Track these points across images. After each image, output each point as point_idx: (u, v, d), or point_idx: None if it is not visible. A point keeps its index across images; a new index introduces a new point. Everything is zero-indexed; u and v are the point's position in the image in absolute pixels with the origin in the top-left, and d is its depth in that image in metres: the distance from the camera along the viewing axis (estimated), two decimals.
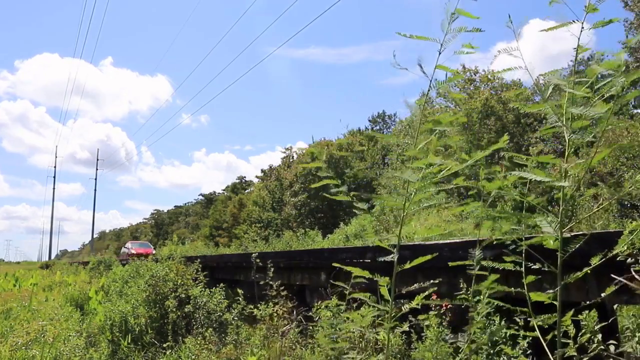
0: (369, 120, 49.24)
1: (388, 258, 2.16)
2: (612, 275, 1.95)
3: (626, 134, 14.61)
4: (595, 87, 1.77)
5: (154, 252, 25.93)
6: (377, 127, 48.38)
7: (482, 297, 2.23)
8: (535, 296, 1.94)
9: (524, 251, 2.04)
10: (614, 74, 1.68)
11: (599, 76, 1.81)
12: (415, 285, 2.39)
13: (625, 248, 1.90)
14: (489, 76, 25.66)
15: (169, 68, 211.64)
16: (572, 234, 2.10)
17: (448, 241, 3.94)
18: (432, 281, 2.43)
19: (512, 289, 2.07)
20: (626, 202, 13.47)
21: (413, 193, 2.08)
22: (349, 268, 2.36)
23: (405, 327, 3.07)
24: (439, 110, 26.42)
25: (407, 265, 2.18)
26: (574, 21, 1.75)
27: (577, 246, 1.87)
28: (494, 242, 2.30)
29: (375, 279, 2.24)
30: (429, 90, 1.99)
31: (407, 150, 2.15)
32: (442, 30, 1.86)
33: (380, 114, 49.26)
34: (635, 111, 23.50)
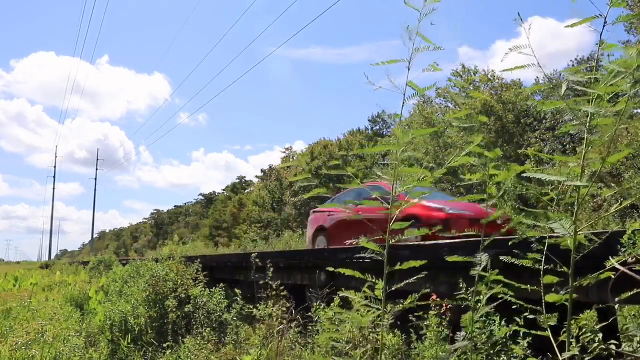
0: (369, 120, 49.18)
1: (373, 256, 2.19)
2: (617, 267, 1.94)
3: (626, 134, 14.62)
4: (608, 85, 1.76)
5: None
6: (377, 127, 48.38)
7: (482, 296, 2.23)
8: (550, 297, 1.94)
9: (544, 251, 2.03)
10: (625, 73, 1.67)
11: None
12: (403, 282, 2.40)
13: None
14: (489, 76, 25.67)
15: (167, 67, 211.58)
16: (579, 233, 2.09)
17: (448, 241, 3.93)
18: (417, 277, 2.44)
19: (529, 287, 2.07)
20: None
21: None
22: (342, 270, 2.38)
23: (391, 320, 3.08)
24: (437, 111, 26.43)
25: (398, 267, 2.20)
26: (597, 16, 1.73)
27: (592, 248, 1.87)
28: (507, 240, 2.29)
29: (368, 280, 2.26)
30: (403, 104, 2.10)
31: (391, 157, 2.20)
32: (406, 46, 1.95)
33: (380, 113, 49.27)
34: (635, 111, 23.51)
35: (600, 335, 2.33)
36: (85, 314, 8.89)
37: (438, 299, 3.55)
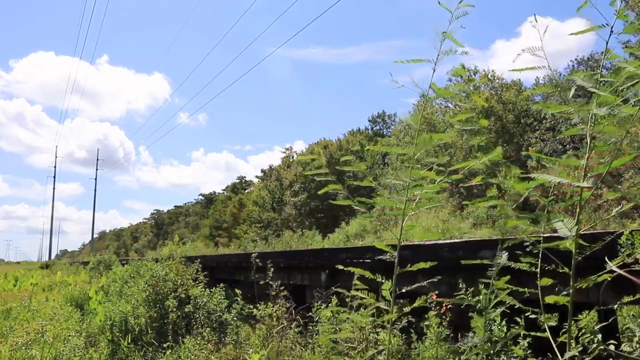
0: (369, 120, 49.20)
1: (386, 257, 2.17)
2: (610, 267, 1.94)
3: (625, 133, 14.60)
4: (620, 88, 1.76)
5: None
6: (377, 127, 48.38)
7: (483, 297, 2.23)
8: (550, 298, 1.94)
9: (540, 253, 2.04)
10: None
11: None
12: (415, 285, 2.39)
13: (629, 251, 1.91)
14: (489, 76, 25.66)
15: (167, 67, 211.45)
16: (582, 232, 2.10)
17: (448, 241, 3.94)
18: (430, 280, 2.43)
19: (526, 289, 2.07)
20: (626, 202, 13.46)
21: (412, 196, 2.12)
22: (350, 268, 2.37)
23: (404, 322, 3.08)
24: (438, 111, 26.43)
25: (408, 268, 2.20)
26: (603, 25, 1.74)
27: (595, 249, 1.86)
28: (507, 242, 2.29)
29: (377, 279, 2.25)
30: (424, 105, 2.12)
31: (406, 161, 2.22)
32: (434, 49, 1.98)
33: (380, 113, 49.28)
34: None
35: (600, 336, 2.34)
36: (85, 314, 8.89)
37: (438, 299, 3.55)
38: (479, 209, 17.42)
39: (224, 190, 67.86)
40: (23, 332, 6.12)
